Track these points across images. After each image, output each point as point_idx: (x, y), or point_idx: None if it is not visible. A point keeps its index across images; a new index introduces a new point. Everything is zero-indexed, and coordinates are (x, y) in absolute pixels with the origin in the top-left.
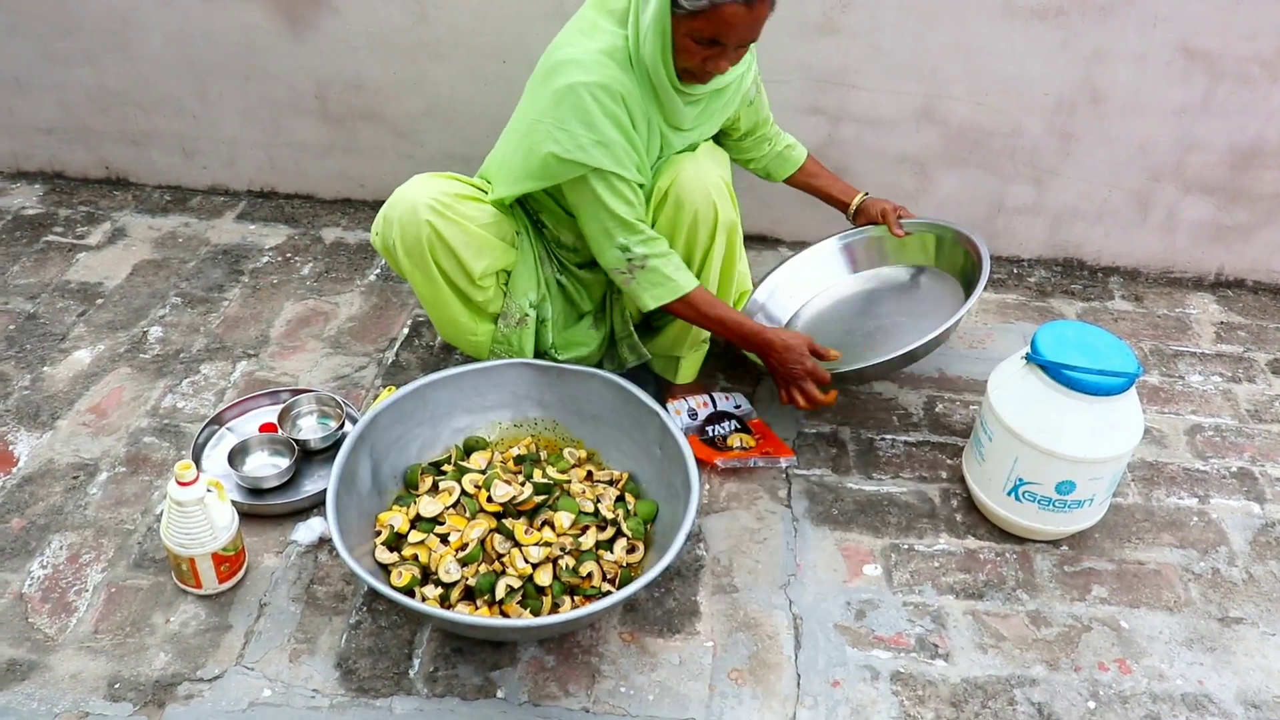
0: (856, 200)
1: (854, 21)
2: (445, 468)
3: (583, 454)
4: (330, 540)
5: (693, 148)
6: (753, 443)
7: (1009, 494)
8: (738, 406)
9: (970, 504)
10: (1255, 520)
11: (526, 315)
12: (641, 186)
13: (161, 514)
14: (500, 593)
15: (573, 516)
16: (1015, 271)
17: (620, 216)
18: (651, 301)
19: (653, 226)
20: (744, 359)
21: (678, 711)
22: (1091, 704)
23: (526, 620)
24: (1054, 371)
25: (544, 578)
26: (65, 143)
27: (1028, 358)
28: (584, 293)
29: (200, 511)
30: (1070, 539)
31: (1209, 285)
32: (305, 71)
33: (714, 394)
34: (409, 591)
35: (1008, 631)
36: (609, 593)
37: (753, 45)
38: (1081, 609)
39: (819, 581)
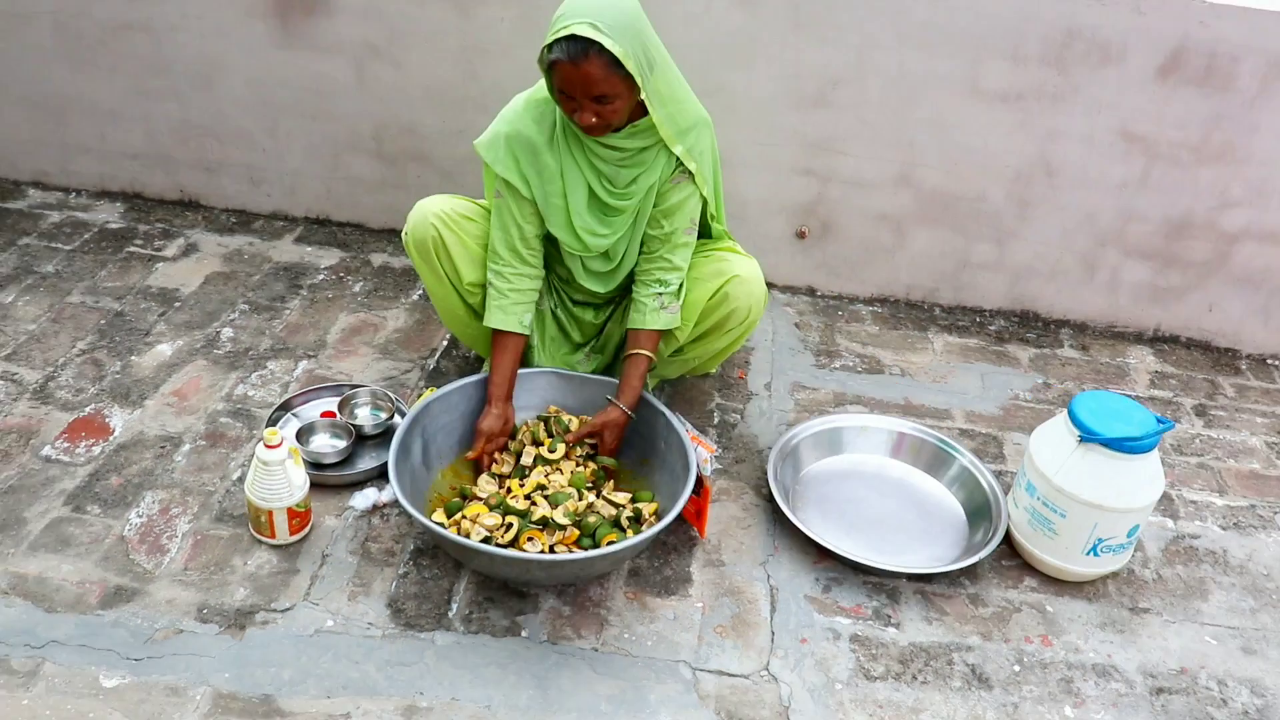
0: (610, 400)
1: (844, 97)
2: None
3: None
4: (382, 507)
5: (660, 223)
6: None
7: (1088, 553)
8: (702, 465)
9: None
10: (1168, 533)
11: None
12: (536, 236)
13: (239, 479)
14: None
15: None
16: (977, 320)
17: (494, 238)
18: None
19: (708, 300)
20: (734, 382)
21: (671, 655)
22: (1016, 668)
23: (557, 555)
24: (1116, 445)
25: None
26: (147, 167)
27: (1083, 439)
28: (576, 327)
29: (281, 471)
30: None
31: (1148, 339)
32: (366, 116)
33: (704, 450)
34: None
35: (950, 609)
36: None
37: (696, 172)
38: (1014, 595)
39: (793, 562)
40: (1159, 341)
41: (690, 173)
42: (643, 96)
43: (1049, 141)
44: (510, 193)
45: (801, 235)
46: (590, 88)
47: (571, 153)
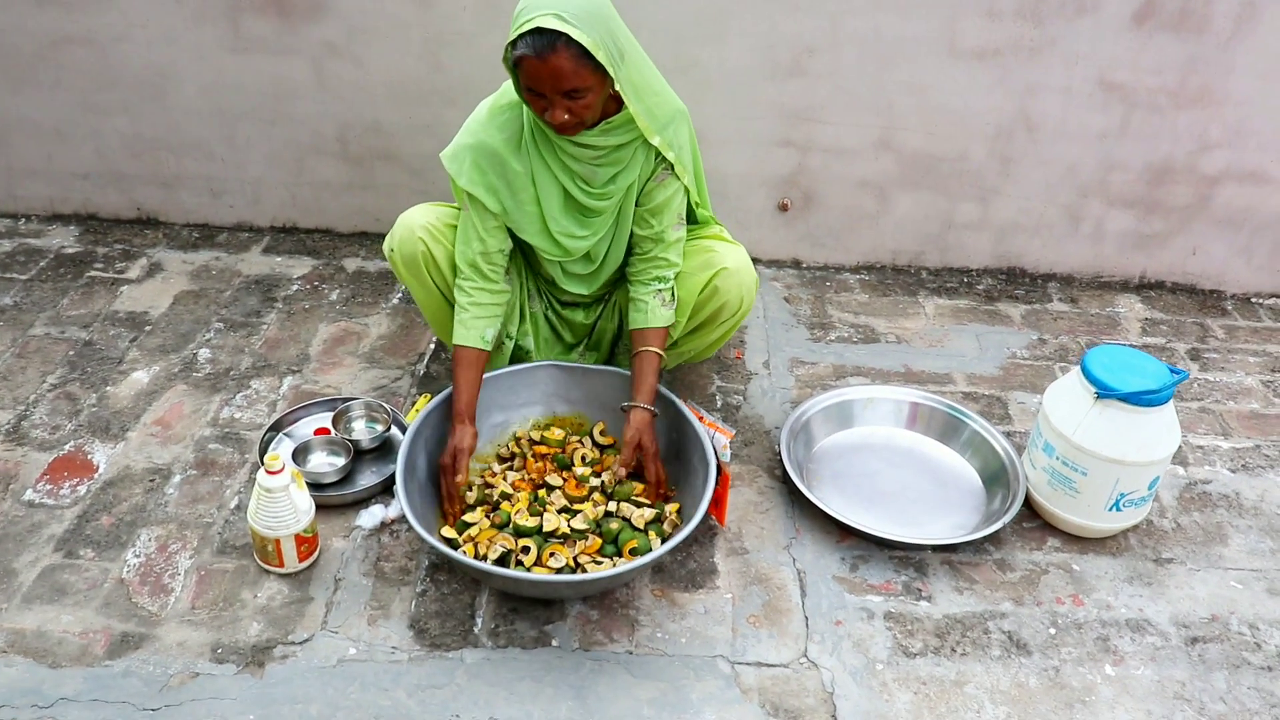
0: (629, 405)
1: (819, 65)
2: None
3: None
4: (390, 524)
5: (649, 222)
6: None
7: (1110, 509)
8: (721, 451)
9: None
10: (1180, 480)
11: (504, 343)
12: (499, 252)
13: (237, 507)
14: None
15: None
16: (965, 280)
17: (457, 251)
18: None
19: (698, 295)
20: (732, 363)
21: (707, 650)
22: (1052, 630)
23: (583, 575)
24: (1134, 399)
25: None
26: (99, 187)
27: (1100, 395)
28: (568, 329)
29: (286, 497)
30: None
31: (1134, 287)
32: (328, 117)
33: (722, 435)
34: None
35: (979, 577)
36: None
37: (675, 161)
38: (1040, 556)
39: (817, 543)
40: (1145, 288)
41: (672, 166)
42: (616, 88)
43: (1028, 96)
44: (475, 206)
45: (784, 208)
46: (560, 82)
47: (542, 156)
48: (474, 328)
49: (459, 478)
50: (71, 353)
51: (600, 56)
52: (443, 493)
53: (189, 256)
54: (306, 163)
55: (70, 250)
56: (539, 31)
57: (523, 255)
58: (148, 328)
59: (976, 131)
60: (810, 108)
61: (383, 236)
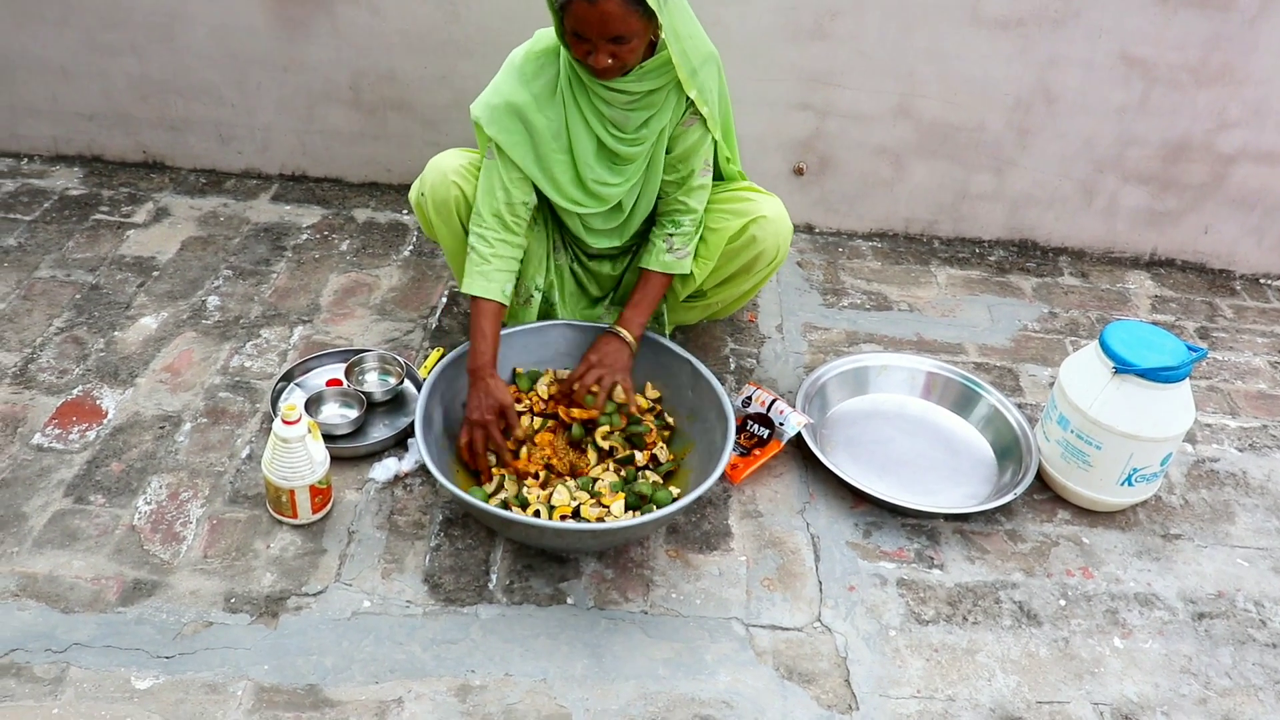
0: (617, 328)
1: (841, 29)
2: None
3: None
4: (404, 477)
5: (675, 167)
6: (760, 456)
7: (1122, 484)
8: (781, 425)
9: None
10: (1189, 458)
11: (532, 296)
12: (523, 204)
13: (248, 456)
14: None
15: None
16: (977, 251)
17: (480, 201)
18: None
19: (728, 244)
20: (745, 326)
21: (722, 612)
22: (1062, 602)
23: (602, 524)
24: (1152, 375)
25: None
26: (105, 128)
27: (1118, 370)
28: (594, 281)
29: (302, 448)
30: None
31: (1145, 264)
32: (341, 64)
33: (781, 401)
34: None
35: (990, 547)
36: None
37: (708, 115)
38: (1050, 528)
39: (830, 508)
40: (1155, 265)
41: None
42: (662, 34)
43: (1049, 68)
44: (501, 156)
45: (799, 171)
46: (608, 27)
47: (577, 103)
48: (496, 280)
49: (517, 432)
50: (78, 296)
51: (650, 0)
52: (474, 451)
53: (196, 202)
54: (317, 110)
55: (75, 192)
56: None
57: (548, 207)
58: (155, 273)
59: (995, 102)
60: (830, 71)
61: (394, 188)
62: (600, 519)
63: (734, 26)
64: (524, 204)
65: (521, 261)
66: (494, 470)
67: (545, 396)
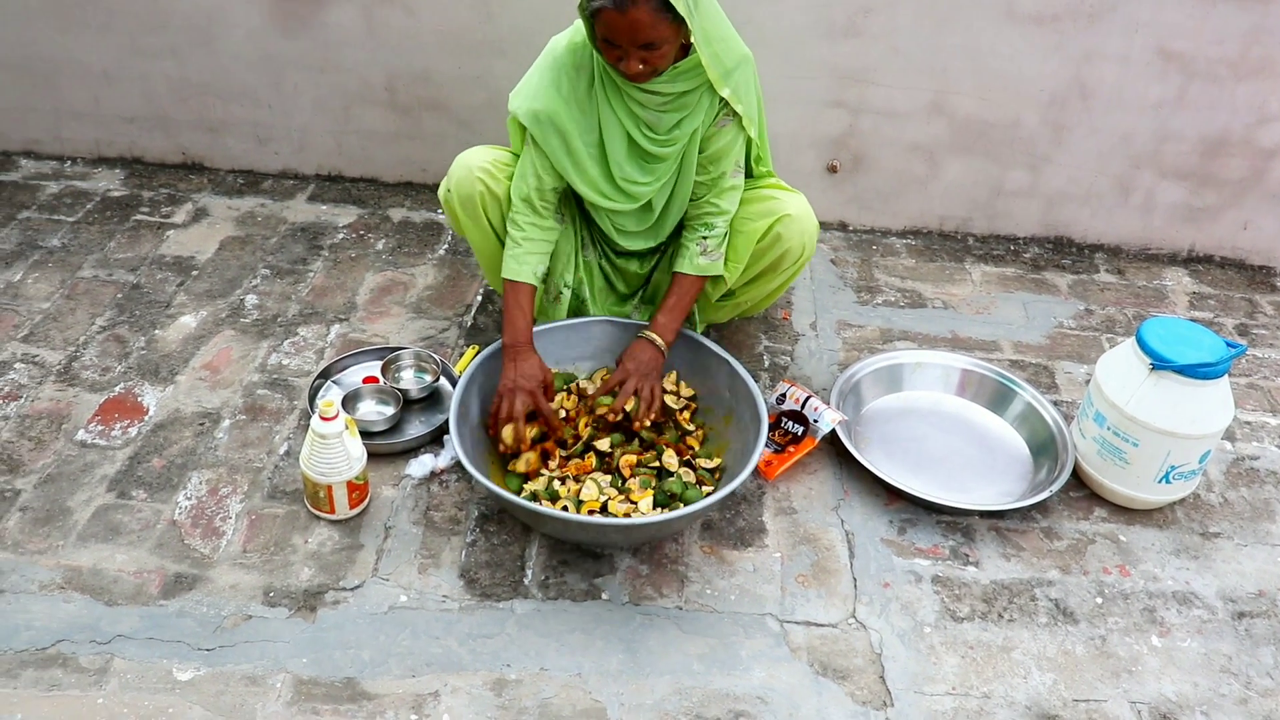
0: (651, 335)
1: (874, 25)
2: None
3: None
4: (440, 474)
5: (706, 168)
6: (795, 453)
7: (1160, 481)
8: (815, 422)
9: None
10: (1228, 455)
11: (562, 293)
12: (553, 190)
13: (286, 453)
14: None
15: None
16: (1012, 248)
17: (514, 185)
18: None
19: (758, 242)
20: (779, 324)
21: (756, 608)
22: (1099, 600)
23: (630, 519)
24: (1190, 371)
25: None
26: (145, 131)
27: (1155, 367)
28: (621, 279)
29: (339, 444)
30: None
31: (1182, 260)
32: (377, 65)
33: (815, 398)
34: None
35: (1026, 544)
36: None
37: (743, 114)
38: (1087, 526)
39: (865, 505)
40: (1193, 262)
41: (735, 113)
42: (691, 40)
43: (1085, 63)
44: (535, 145)
45: (833, 169)
46: (638, 35)
47: (609, 101)
48: (526, 263)
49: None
50: (120, 295)
51: (679, 7)
52: (498, 417)
53: (234, 202)
54: (353, 111)
55: (116, 193)
56: None
57: (578, 204)
58: (194, 272)
59: (1030, 98)
60: (863, 69)
61: (429, 187)
62: (628, 515)
63: (767, 25)
64: (553, 189)
65: (551, 257)
66: (521, 445)
67: (570, 408)
